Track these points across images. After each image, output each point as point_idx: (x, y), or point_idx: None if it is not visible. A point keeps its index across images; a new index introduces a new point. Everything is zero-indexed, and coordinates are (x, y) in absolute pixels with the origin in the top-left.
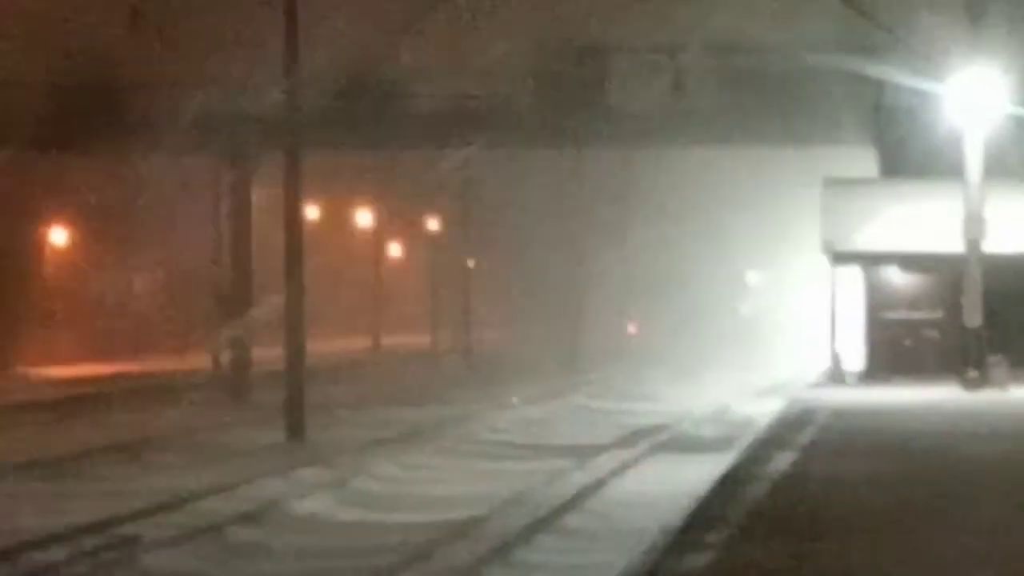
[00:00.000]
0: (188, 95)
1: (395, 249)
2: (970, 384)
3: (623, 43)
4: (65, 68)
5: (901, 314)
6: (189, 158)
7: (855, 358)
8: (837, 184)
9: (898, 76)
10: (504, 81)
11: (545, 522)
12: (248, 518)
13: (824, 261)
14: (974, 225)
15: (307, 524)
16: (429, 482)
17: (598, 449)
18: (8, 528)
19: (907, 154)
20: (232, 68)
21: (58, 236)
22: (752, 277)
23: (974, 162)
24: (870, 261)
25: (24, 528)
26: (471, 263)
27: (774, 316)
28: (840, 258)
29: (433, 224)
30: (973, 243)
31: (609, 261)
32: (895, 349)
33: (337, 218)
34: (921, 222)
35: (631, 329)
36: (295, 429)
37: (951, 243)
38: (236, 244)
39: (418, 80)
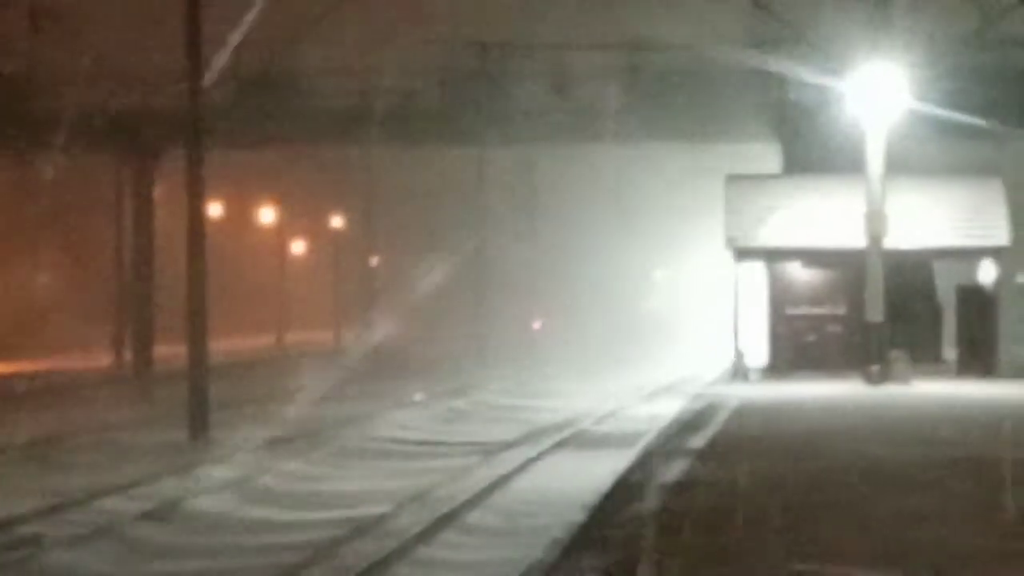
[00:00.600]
0: (90, 90)
1: (299, 246)
2: (872, 379)
3: (526, 40)
4: None
5: (804, 309)
6: (92, 155)
7: (758, 354)
8: (739, 180)
9: (801, 72)
10: (406, 78)
11: (448, 518)
12: (150, 516)
13: (728, 257)
14: (875, 221)
15: (210, 522)
16: (332, 480)
17: (501, 446)
18: None
19: (810, 150)
20: (135, 62)
21: None
22: (658, 275)
23: (875, 158)
24: (773, 257)
25: None
26: (374, 260)
27: (678, 313)
28: (743, 254)
29: (336, 221)
30: (874, 239)
31: (515, 259)
32: (798, 344)
33: (241, 215)
34: (823, 218)
35: (536, 326)
36: (198, 427)
37: (853, 239)
38: (137, 241)
39: (322, 76)
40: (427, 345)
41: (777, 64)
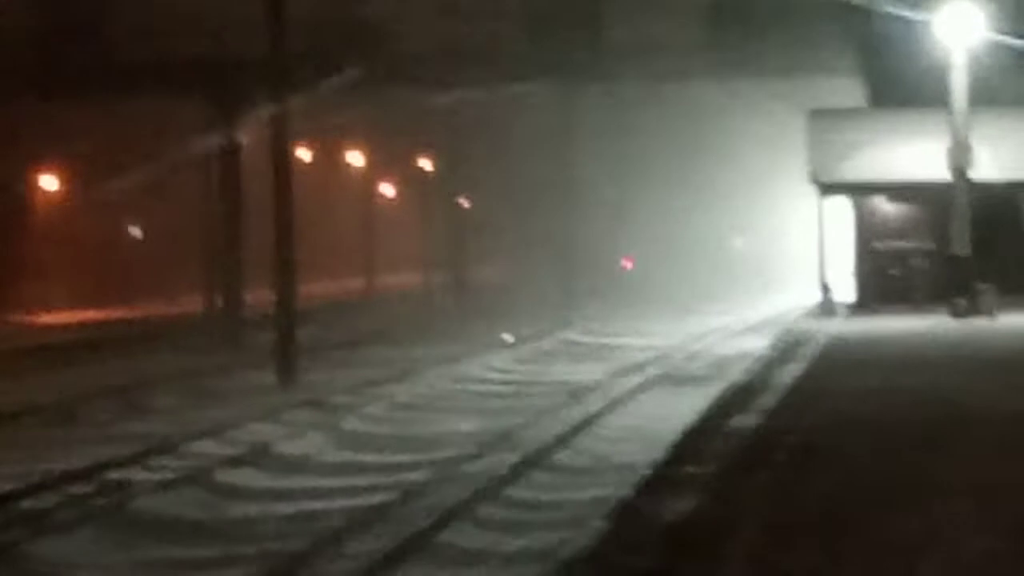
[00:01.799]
0: (174, 38)
1: (387, 189)
2: (958, 312)
3: None
4: (51, 13)
5: (890, 244)
6: (177, 103)
7: (845, 289)
8: (822, 114)
9: (885, 5)
10: (492, 17)
11: (535, 458)
12: (237, 461)
13: (811, 193)
14: (960, 153)
15: (296, 465)
16: (420, 423)
17: (590, 385)
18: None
19: (895, 84)
20: (215, 9)
21: (48, 182)
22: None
23: (959, 90)
24: (858, 191)
25: (15, 475)
26: (464, 202)
27: (768, 250)
28: (827, 188)
29: (425, 164)
30: (958, 171)
31: (603, 198)
32: (885, 279)
33: (329, 159)
34: (908, 151)
35: (625, 264)
36: (286, 372)
37: (938, 172)
38: (225, 188)
39: (404, 19)
40: (517, 285)
41: None
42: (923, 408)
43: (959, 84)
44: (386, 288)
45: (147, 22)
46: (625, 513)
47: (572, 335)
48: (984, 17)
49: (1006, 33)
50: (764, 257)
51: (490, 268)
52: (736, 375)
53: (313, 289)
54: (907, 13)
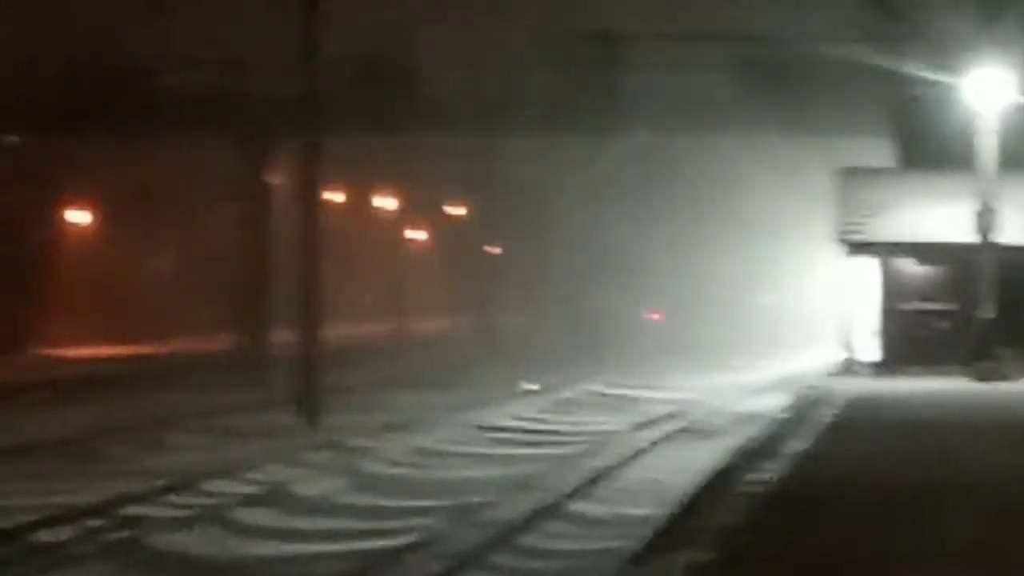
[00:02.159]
0: (207, 78)
1: (418, 234)
2: (981, 375)
3: (638, 30)
4: (81, 50)
5: (915, 305)
6: (210, 141)
7: (869, 349)
8: (851, 173)
9: (915, 68)
10: (522, 67)
11: (552, 508)
12: (254, 501)
13: (837, 252)
14: (986, 216)
15: (313, 507)
16: (440, 468)
17: (609, 436)
18: (14, 506)
19: (926, 147)
20: (251, 50)
21: (78, 217)
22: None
23: (987, 153)
24: (884, 252)
25: (30, 507)
26: (496, 249)
27: (794, 307)
28: (854, 248)
29: (456, 209)
30: (985, 234)
31: (630, 250)
32: (909, 340)
33: (361, 204)
34: (935, 213)
35: (653, 316)
36: (309, 412)
37: (965, 235)
38: (253, 228)
39: (432, 66)
40: (543, 334)
41: (891, 60)
42: (930, 471)
43: (987, 148)
44: (415, 333)
45: (179, 60)
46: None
47: (595, 386)
48: (1012, 81)
49: None
50: (790, 314)
51: (517, 316)
52: (753, 431)
53: (343, 331)
54: (937, 77)
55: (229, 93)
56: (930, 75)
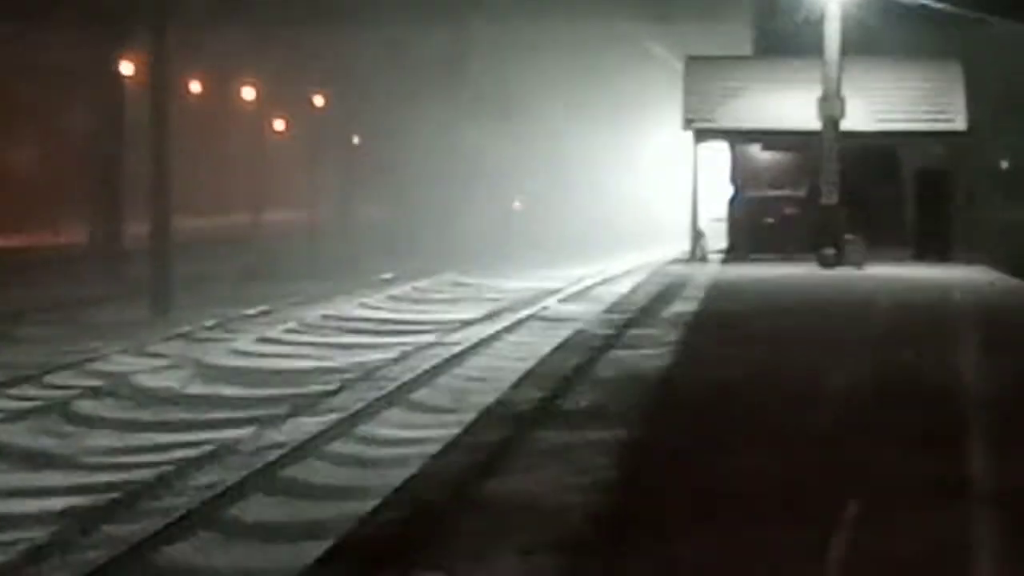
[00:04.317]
0: None
1: (279, 125)
2: (826, 261)
3: None
4: None
5: (763, 192)
6: (65, 30)
7: (717, 236)
8: (699, 61)
9: None
10: None
11: (392, 395)
12: (98, 392)
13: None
14: (830, 103)
15: (156, 397)
16: (283, 356)
17: (460, 324)
18: None
19: (779, 33)
20: None
21: None
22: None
23: (832, 40)
24: (733, 138)
25: None
26: (355, 140)
27: (647, 195)
28: (702, 135)
29: (318, 101)
30: (829, 121)
31: (490, 143)
32: (757, 227)
33: (221, 94)
34: (785, 100)
35: (515, 206)
36: (159, 306)
37: (814, 121)
38: (107, 119)
39: None
40: (405, 225)
41: None
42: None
43: (832, 34)
44: (275, 224)
45: None
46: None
47: (454, 276)
48: None
49: None
50: (643, 203)
51: (378, 207)
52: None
53: (201, 223)
54: None
55: None
56: None
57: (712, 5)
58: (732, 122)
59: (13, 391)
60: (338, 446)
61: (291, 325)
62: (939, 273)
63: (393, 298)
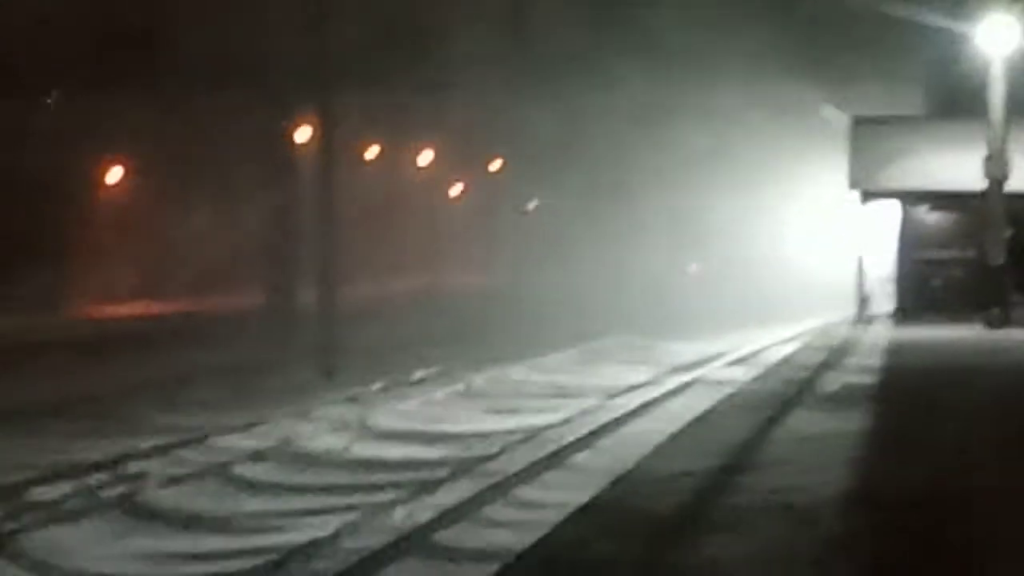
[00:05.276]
0: (233, 38)
1: (455, 189)
2: (992, 323)
3: None
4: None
5: (931, 253)
6: (239, 101)
7: (883, 299)
8: (866, 122)
9: (934, 18)
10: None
11: (555, 457)
12: (261, 456)
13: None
14: (995, 163)
15: (319, 461)
16: (450, 421)
17: (631, 387)
18: (17, 463)
19: (949, 95)
20: (277, 12)
21: (112, 176)
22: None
23: (996, 100)
24: (900, 199)
25: (37, 464)
26: (531, 205)
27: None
28: (869, 196)
29: (495, 165)
30: (994, 180)
31: (662, 205)
32: (924, 288)
33: (398, 158)
34: (952, 161)
35: (692, 269)
36: (326, 370)
37: (977, 182)
38: (282, 186)
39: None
40: (578, 288)
41: (914, 11)
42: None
43: (996, 94)
44: (451, 287)
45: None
46: None
47: (630, 339)
48: (1020, 27)
49: None
50: (807, 266)
51: (555, 269)
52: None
53: (379, 290)
54: (952, 25)
55: (256, 53)
56: (947, 24)
57: (889, 66)
58: (900, 183)
59: (177, 454)
60: (488, 511)
61: (458, 387)
62: None
63: (568, 360)
